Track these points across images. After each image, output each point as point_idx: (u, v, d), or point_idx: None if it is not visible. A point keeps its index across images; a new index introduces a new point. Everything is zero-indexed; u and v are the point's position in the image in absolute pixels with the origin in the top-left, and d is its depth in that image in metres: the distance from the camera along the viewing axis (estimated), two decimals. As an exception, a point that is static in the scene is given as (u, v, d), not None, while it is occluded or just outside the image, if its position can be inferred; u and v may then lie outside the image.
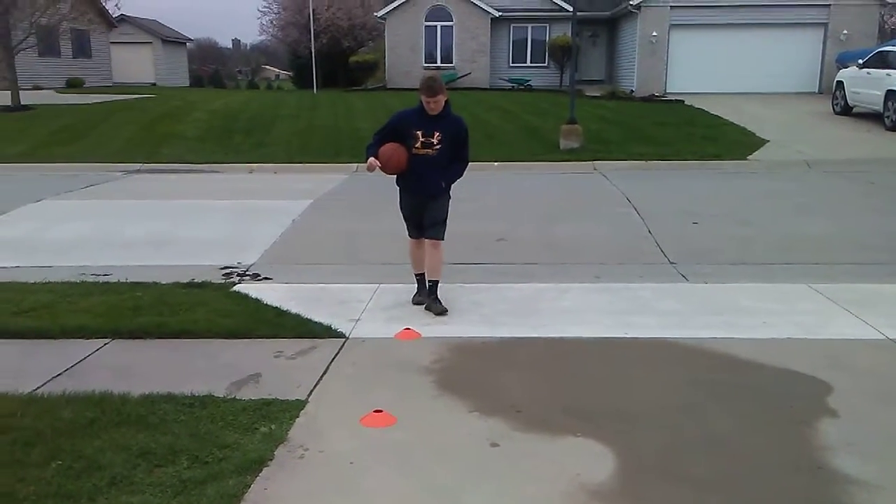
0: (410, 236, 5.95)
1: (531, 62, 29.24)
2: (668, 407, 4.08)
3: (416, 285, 6.03)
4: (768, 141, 15.44)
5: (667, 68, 23.90)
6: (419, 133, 5.50)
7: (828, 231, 8.58)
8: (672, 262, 7.33)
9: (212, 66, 55.72)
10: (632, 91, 23.67)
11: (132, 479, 3.27)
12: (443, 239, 5.79)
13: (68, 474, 3.29)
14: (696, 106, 19.73)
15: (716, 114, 18.43)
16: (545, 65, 28.85)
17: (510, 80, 27.43)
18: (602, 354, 4.89)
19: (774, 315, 5.57)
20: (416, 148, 5.53)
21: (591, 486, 3.27)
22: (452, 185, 5.81)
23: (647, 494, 3.20)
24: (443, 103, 5.48)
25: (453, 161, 5.67)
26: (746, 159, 14.09)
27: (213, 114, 19.13)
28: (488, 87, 27.24)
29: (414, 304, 5.90)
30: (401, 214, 5.90)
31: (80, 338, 5.09)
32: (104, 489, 3.18)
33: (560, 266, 7.22)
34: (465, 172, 5.82)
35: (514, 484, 3.30)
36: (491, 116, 18.48)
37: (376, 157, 5.51)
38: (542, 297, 6.13)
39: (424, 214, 5.74)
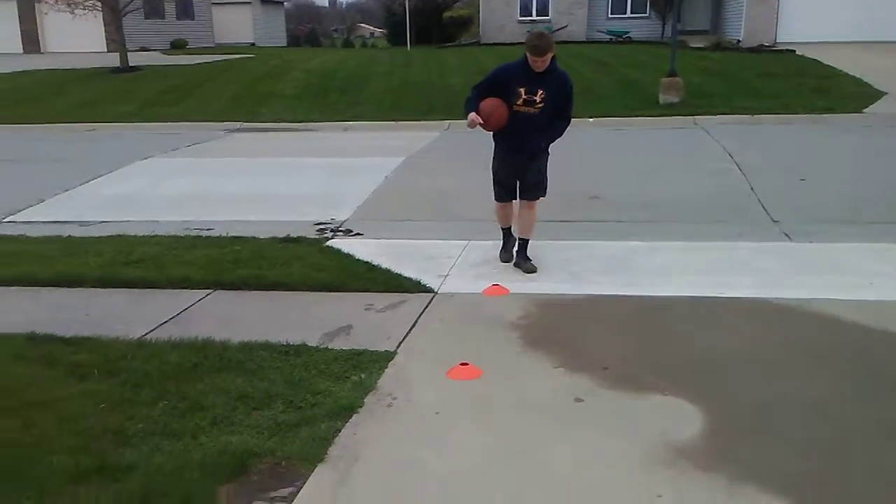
0: (498, 199, 5.77)
1: (631, 13, 28.22)
2: (761, 368, 3.96)
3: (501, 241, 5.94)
4: (886, 93, 14.43)
5: (777, 15, 22.52)
6: (522, 90, 5.25)
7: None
8: (775, 221, 7.03)
9: (308, 25, 56.54)
10: (738, 41, 22.51)
11: (232, 419, 3.46)
12: (544, 195, 5.70)
13: (173, 413, 3.51)
14: (809, 56, 18.59)
15: (829, 64, 17.32)
16: (646, 15, 27.79)
17: (608, 32, 26.60)
18: (693, 313, 4.78)
19: (882, 276, 5.28)
20: (518, 105, 5.28)
21: (677, 443, 3.22)
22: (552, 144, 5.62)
23: (734, 454, 3.14)
24: (549, 61, 5.20)
25: (554, 119, 5.42)
26: (861, 112, 13.23)
27: (309, 73, 19.46)
28: (585, 39, 26.52)
29: (502, 261, 5.84)
30: (492, 174, 5.73)
31: (184, 288, 5.37)
32: (206, 428, 3.38)
33: (655, 224, 7.04)
34: (565, 131, 5.58)
35: (597, 439, 3.30)
36: (587, 70, 18.01)
37: (477, 113, 5.27)
38: (633, 256, 6.01)
39: (523, 177, 5.57)
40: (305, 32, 49.08)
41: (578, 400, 3.66)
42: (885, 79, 15.52)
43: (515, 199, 5.75)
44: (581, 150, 11.09)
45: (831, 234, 6.44)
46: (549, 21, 27.39)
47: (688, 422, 3.41)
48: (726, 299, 4.97)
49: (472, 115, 5.26)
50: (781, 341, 4.31)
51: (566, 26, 27.01)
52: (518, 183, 5.66)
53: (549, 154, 5.65)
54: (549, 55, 5.17)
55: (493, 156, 5.68)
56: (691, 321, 4.67)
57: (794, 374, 3.89)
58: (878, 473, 3.00)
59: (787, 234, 6.57)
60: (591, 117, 13.57)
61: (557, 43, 22.29)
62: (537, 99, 5.26)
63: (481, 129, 5.41)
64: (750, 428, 3.37)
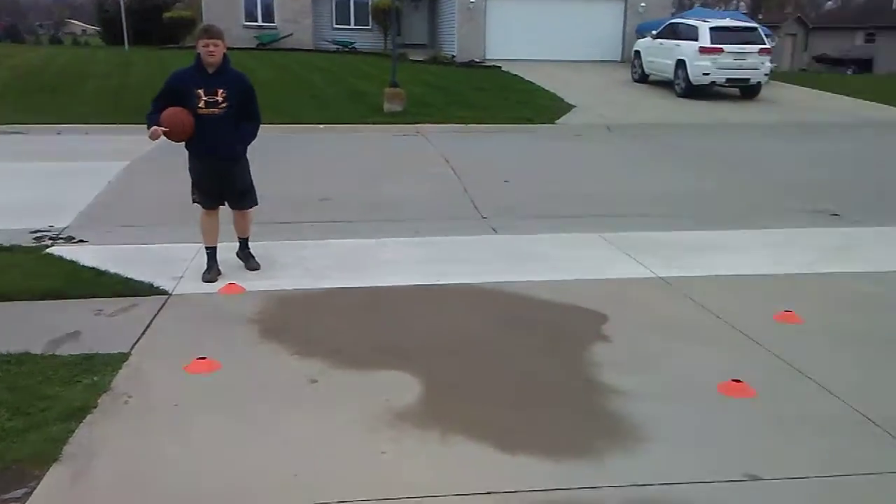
0: (204, 206, 5.61)
1: (355, 24, 29.17)
2: (472, 341, 4.59)
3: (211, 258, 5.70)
4: (575, 106, 16.63)
5: (485, 35, 24.76)
6: (201, 92, 5.21)
7: (621, 188, 9.57)
8: (484, 217, 7.93)
9: (9, 19, 50.58)
10: (453, 56, 24.35)
11: (-52, 433, 3.29)
12: (257, 205, 5.81)
13: None
14: (513, 72, 20.73)
15: (530, 80, 19.49)
16: (369, 27, 28.91)
17: (335, 42, 27.29)
18: (416, 299, 5.34)
19: (569, 261, 6.27)
20: (200, 108, 5.22)
21: (398, 408, 3.69)
22: (250, 148, 5.62)
23: (447, 413, 3.67)
24: (222, 54, 5.22)
25: (242, 121, 5.42)
26: (555, 123, 15.14)
27: (12, 70, 17.64)
28: (312, 48, 26.94)
29: (204, 281, 5.53)
30: (192, 184, 5.56)
31: None
32: (-82, 445, 3.19)
33: (383, 223, 7.59)
34: (258, 132, 5.59)
35: (328, 412, 3.66)
36: (316, 78, 18.43)
37: (159, 125, 5.13)
38: (364, 252, 6.48)
39: (225, 184, 5.52)
40: (5, 27, 43.89)
41: (313, 381, 3.99)
42: (574, 94, 17.85)
43: (223, 204, 5.69)
44: (312, 156, 11.48)
45: (529, 228, 7.43)
46: (276, 28, 27.43)
47: (409, 391, 3.89)
48: (444, 285, 5.60)
49: (154, 127, 5.15)
50: (487, 318, 5.00)
51: (292, 34, 27.22)
52: (225, 194, 5.61)
53: (247, 160, 5.66)
54: (221, 43, 5.21)
55: (188, 167, 5.56)
56: (414, 306, 5.21)
57: (496, 344, 4.56)
58: (559, 411, 3.70)
59: (494, 229, 7.47)
60: (321, 124, 13.99)
61: (285, 50, 22.34)
62: (219, 99, 5.25)
63: (169, 139, 5.28)
64: (458, 391, 3.93)
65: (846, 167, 11.54)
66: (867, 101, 19.27)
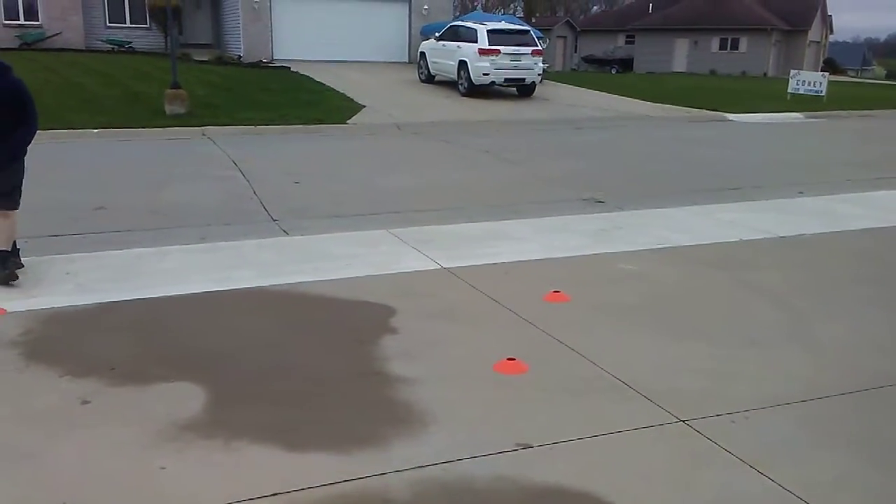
0: None
1: (131, 23, 27.40)
2: (257, 345, 4.54)
3: None
4: (365, 106, 16.83)
5: (272, 35, 24.31)
6: None
7: (410, 184, 9.85)
8: (275, 219, 7.83)
9: None
10: (240, 56, 23.68)
11: None
12: (16, 208, 5.47)
13: None
14: (302, 73, 20.55)
15: (320, 80, 19.44)
16: (147, 26, 27.29)
17: (109, 42, 25.46)
18: (200, 307, 5.18)
19: (357, 258, 6.36)
20: None
21: (182, 420, 3.58)
22: (26, 152, 5.45)
23: (231, 419, 3.62)
24: None
25: (17, 127, 5.29)
26: (346, 123, 15.24)
27: None
28: (84, 48, 24.97)
29: None
30: None
31: None
32: None
33: (165, 230, 7.26)
34: (32, 139, 5.44)
35: (102, 433, 3.47)
36: (88, 80, 17.14)
37: None
38: (143, 262, 6.16)
39: None
40: None
41: (85, 402, 3.76)
42: (364, 94, 18.05)
43: None
44: (84, 162, 10.70)
45: (319, 228, 7.44)
46: (41, 26, 25.12)
47: (192, 401, 3.79)
48: (231, 291, 5.48)
49: None
50: (274, 320, 4.96)
51: (60, 33, 25.07)
52: None
53: (23, 165, 5.49)
54: None
55: None
56: (197, 314, 5.05)
57: (283, 345, 4.55)
58: (348, 406, 3.78)
59: (284, 230, 7.40)
60: (95, 129, 13.06)
61: (54, 51, 20.70)
62: None
63: None
64: (243, 395, 3.89)
65: (609, 157, 12.67)
66: (626, 97, 21.26)
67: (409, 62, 24.73)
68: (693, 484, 3.17)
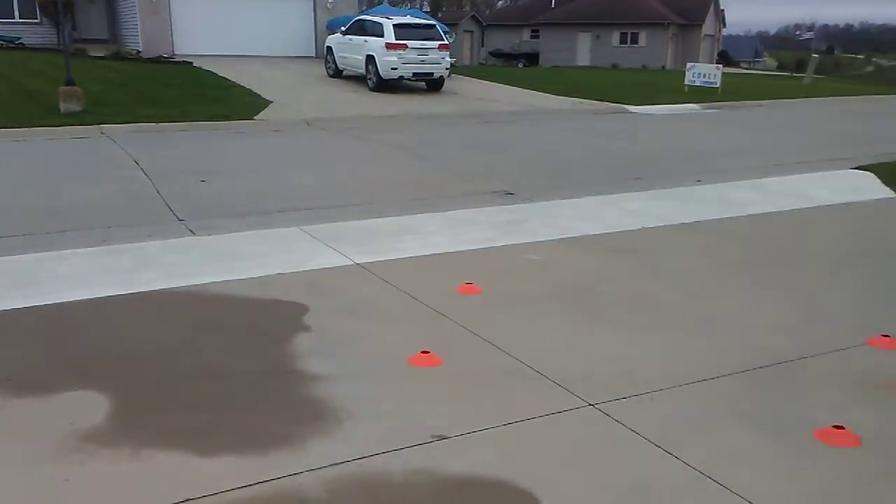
0: None
1: (20, 17, 25.96)
2: (166, 348, 4.41)
3: None
4: (272, 102, 16.51)
5: (172, 29, 23.53)
6: None
7: (320, 180, 9.73)
8: (181, 219, 7.60)
9: None
10: (138, 51, 22.82)
11: None
12: None
13: None
14: (205, 68, 19.99)
15: (224, 76, 18.95)
16: (38, 21, 25.93)
17: (-5, 37, 24.10)
18: (103, 312, 4.98)
19: (268, 256, 6.25)
20: None
21: (85, 430, 3.44)
22: None
23: (138, 426, 3.50)
24: None
25: None
26: (253, 119, 14.90)
27: None
28: (-33, 43, 23.53)
29: None
30: None
31: None
32: None
33: (64, 234, 6.94)
34: None
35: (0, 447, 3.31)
36: (-29, 77, 16.18)
37: None
38: (40, 267, 5.88)
39: None
40: None
41: (-21, 417, 3.57)
42: (271, 89, 17.72)
43: None
44: (-30, 165, 10.11)
45: (228, 227, 7.27)
46: (-85, 19, 23.52)
47: (96, 410, 3.64)
48: (136, 294, 5.29)
49: None
50: (183, 322, 4.83)
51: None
52: None
53: None
54: None
55: None
56: (101, 320, 4.86)
57: (193, 348, 4.43)
58: (261, 407, 3.72)
59: (191, 230, 7.19)
60: (-20, 129, 12.33)
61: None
62: None
63: None
64: (156, 402, 3.77)
65: (518, 151, 12.86)
66: (534, 91, 21.64)
67: (317, 57, 24.41)
68: (604, 466, 3.27)
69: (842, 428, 3.47)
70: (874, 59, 73.16)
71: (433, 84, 19.63)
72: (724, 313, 5.12)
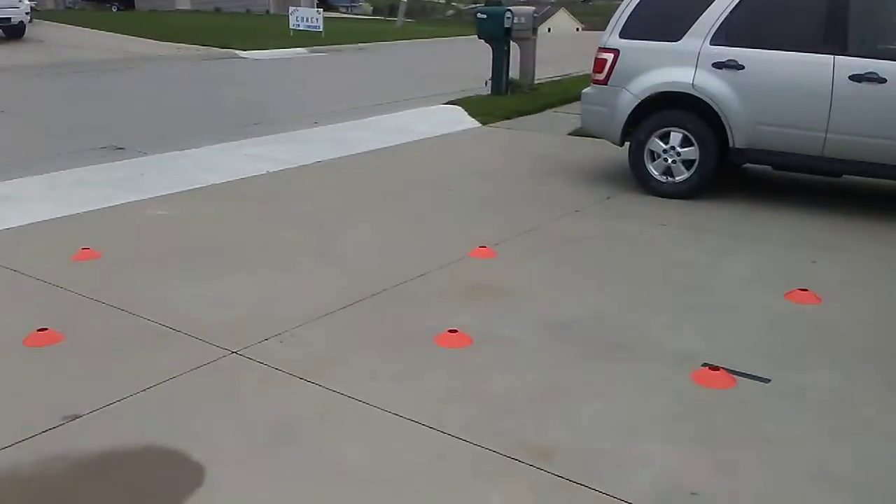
0: None
1: None
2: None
3: None
4: None
5: None
6: None
7: None
8: None
9: None
10: None
11: None
12: None
13: None
14: None
15: None
16: None
17: None
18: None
19: None
20: None
21: None
22: None
23: None
24: None
25: None
26: None
27: None
28: None
29: None
30: None
31: None
32: None
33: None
34: None
35: None
36: None
37: None
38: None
39: None
40: None
41: None
42: None
43: None
44: None
45: None
46: None
47: None
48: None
49: None
50: None
51: None
52: None
53: None
54: None
55: None
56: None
57: None
58: None
59: None
60: None
61: None
62: None
63: None
64: None
65: (124, 101, 11.94)
66: (134, 37, 20.07)
67: None
68: (253, 407, 3.32)
69: (455, 331, 3.98)
70: (454, 3, 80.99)
71: (13, 31, 17.25)
72: (350, 246, 5.44)
